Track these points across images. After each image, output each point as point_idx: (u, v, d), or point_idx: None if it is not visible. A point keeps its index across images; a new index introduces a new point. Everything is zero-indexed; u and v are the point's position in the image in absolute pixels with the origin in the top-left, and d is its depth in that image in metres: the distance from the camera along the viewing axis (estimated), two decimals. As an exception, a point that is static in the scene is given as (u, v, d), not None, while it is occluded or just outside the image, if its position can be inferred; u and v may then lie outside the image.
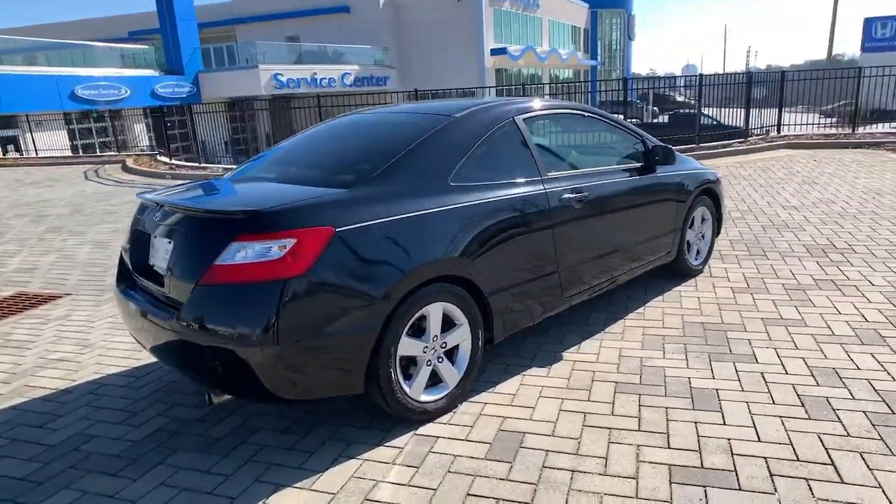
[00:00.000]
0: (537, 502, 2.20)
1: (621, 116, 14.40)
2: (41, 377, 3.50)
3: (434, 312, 2.72)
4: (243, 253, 2.36)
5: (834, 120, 15.76)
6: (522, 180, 3.18)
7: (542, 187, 3.23)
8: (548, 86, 19.61)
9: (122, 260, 3.15)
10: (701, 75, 13.66)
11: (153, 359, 3.53)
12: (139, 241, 2.96)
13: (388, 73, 34.27)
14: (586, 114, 3.93)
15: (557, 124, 4.47)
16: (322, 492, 2.33)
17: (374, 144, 3.18)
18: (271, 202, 2.48)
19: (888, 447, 2.39)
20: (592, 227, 3.48)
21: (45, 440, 2.80)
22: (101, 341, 3.98)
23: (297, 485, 2.37)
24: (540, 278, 3.19)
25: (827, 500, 2.12)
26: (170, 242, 2.67)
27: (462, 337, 2.87)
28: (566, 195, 3.32)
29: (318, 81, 30.01)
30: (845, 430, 2.51)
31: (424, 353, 2.72)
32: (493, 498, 2.23)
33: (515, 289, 3.06)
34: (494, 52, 34.54)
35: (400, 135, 3.07)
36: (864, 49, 31.79)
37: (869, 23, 31.85)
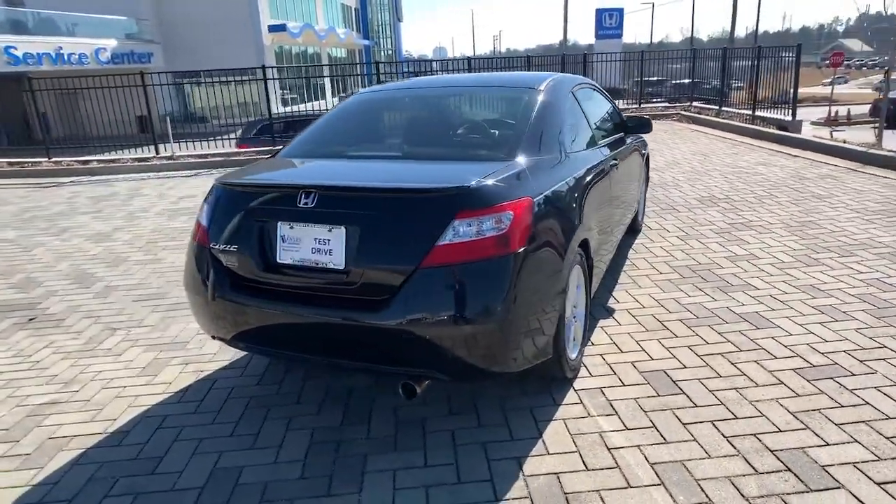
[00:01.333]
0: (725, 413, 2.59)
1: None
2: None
3: (575, 273, 2.90)
4: (466, 230, 2.28)
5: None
6: (590, 147, 3.49)
7: (601, 152, 3.58)
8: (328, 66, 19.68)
9: (213, 261, 2.68)
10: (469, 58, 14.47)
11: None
12: (253, 236, 2.57)
13: (151, 49, 30.45)
14: (594, 88, 4.33)
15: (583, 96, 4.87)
16: (564, 452, 2.41)
17: (487, 118, 3.18)
18: (473, 177, 2.41)
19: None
20: (619, 186, 3.94)
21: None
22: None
23: (532, 453, 2.41)
24: (604, 234, 3.54)
25: None
26: (335, 229, 2.40)
27: (582, 296, 3.09)
28: (613, 160, 3.71)
29: (66, 58, 25.48)
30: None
31: (571, 313, 2.90)
32: (707, 421, 2.56)
33: (599, 247, 3.37)
34: (273, 28, 32.82)
35: (508, 107, 3.12)
36: (597, 36, 37.41)
37: (599, 13, 37.46)
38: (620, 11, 37.89)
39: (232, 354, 3.43)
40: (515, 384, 2.91)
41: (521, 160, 2.69)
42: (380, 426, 2.66)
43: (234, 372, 3.24)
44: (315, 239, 2.45)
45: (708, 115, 13.77)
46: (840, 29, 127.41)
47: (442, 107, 3.45)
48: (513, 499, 2.16)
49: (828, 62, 27.94)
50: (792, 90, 12.04)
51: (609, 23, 37.51)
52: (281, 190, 2.60)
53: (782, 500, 2.08)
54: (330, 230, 2.42)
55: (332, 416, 2.76)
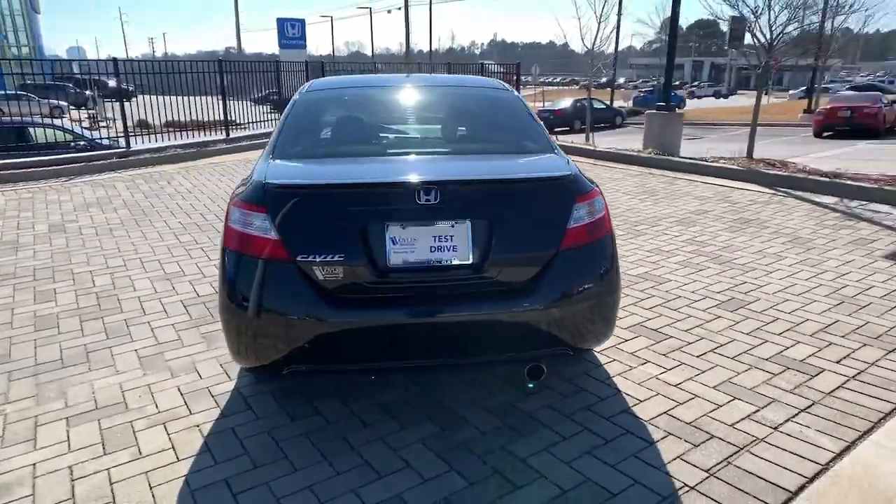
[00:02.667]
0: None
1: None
2: None
3: None
4: (582, 214, 2.50)
5: (269, 108, 15.67)
6: None
7: None
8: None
9: (300, 276, 2.31)
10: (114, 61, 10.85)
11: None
12: (354, 242, 2.32)
13: None
14: None
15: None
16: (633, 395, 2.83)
17: (488, 114, 3.31)
18: (564, 167, 2.62)
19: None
20: None
21: None
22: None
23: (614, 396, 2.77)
24: None
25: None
26: (458, 224, 2.36)
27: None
28: None
29: None
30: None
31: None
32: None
33: None
34: None
35: (499, 105, 3.33)
36: (281, 46, 37.35)
37: (281, 23, 37.44)
38: (302, 22, 38.56)
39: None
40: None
41: (559, 152, 2.99)
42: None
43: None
44: (434, 237, 2.36)
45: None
46: (477, 51, 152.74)
47: (435, 104, 3.44)
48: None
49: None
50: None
51: (292, 32, 37.88)
52: (393, 188, 2.40)
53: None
54: (453, 226, 2.36)
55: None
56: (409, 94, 3.48)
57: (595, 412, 2.73)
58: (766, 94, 44.76)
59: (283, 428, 2.66)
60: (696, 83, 63.50)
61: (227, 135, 11.96)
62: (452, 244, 2.37)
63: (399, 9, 44.02)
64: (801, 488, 2.20)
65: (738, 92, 56.16)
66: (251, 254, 2.35)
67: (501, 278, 2.41)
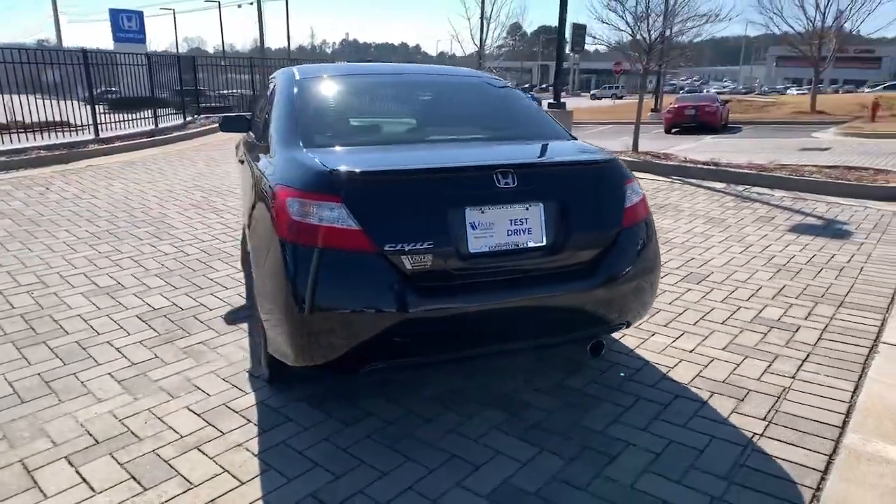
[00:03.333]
0: (696, 315, 3.67)
1: None
2: None
3: None
4: (631, 195, 2.61)
5: (104, 107, 13.52)
6: None
7: None
8: None
9: (389, 267, 2.19)
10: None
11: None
12: (437, 228, 2.23)
13: None
14: None
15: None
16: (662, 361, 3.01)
17: (509, 106, 3.32)
18: (604, 152, 2.74)
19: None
20: None
21: None
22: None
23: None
24: None
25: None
26: (532, 207, 2.35)
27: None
28: None
29: None
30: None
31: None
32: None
33: None
34: None
35: (511, 96, 3.35)
36: (115, 39, 33.95)
37: (115, 14, 33.97)
38: (140, 14, 35.35)
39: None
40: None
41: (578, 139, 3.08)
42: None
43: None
44: (510, 220, 2.33)
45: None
46: (329, 50, 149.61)
47: (447, 92, 3.37)
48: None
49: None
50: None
51: (128, 25, 34.60)
52: (472, 172, 2.33)
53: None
54: (527, 208, 2.35)
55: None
56: (417, 83, 3.40)
57: (638, 381, 2.86)
58: (623, 97, 49.21)
59: (340, 434, 2.47)
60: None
61: (97, 135, 10.66)
62: (527, 227, 2.35)
63: (251, 3, 42.08)
64: (845, 422, 2.49)
65: (581, 94, 61.07)
66: (325, 246, 2.16)
67: (573, 259, 2.44)
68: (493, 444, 2.38)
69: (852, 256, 4.75)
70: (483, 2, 23.66)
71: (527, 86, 41.18)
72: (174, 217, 6.04)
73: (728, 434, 2.43)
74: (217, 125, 4.64)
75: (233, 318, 3.65)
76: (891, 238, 5.28)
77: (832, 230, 5.55)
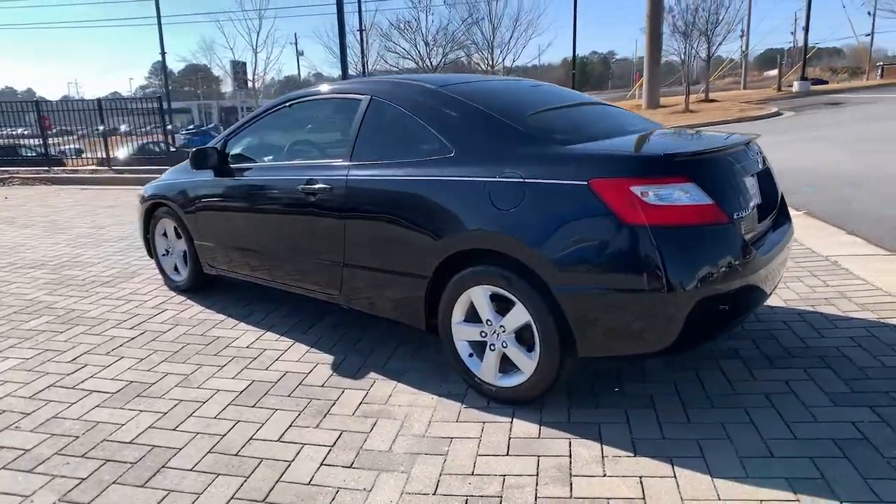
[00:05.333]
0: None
1: None
2: None
3: None
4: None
5: None
6: None
7: None
8: None
9: (740, 235, 2.60)
10: None
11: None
12: (744, 195, 2.75)
13: None
14: None
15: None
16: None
17: (604, 113, 3.64)
18: None
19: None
20: None
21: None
22: None
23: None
24: None
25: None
26: (753, 177, 2.94)
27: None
28: None
29: None
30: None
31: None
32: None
33: None
34: None
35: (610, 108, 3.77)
36: None
37: None
38: None
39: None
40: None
41: None
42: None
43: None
44: (752, 186, 2.91)
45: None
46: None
47: (535, 96, 3.61)
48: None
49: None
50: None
51: None
52: (740, 147, 2.91)
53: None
54: (752, 175, 2.96)
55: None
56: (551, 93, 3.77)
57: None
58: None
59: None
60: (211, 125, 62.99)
61: None
62: (755, 191, 2.95)
63: None
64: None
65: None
66: (691, 223, 2.43)
67: (773, 215, 3.14)
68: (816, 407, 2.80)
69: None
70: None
71: (195, 128, 38.33)
72: None
73: None
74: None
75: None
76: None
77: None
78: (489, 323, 2.81)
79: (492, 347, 2.83)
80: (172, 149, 15.26)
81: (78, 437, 2.72)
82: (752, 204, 2.74)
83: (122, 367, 3.45)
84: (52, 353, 3.66)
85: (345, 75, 11.66)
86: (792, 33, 49.43)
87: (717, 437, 2.49)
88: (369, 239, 3.19)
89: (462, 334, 2.94)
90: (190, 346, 3.70)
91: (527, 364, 2.73)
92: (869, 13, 51.09)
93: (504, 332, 2.77)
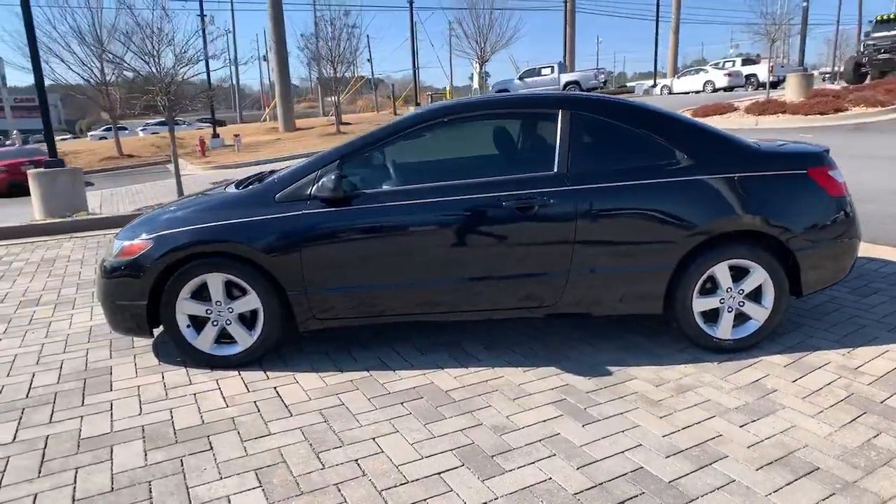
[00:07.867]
0: None
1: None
2: None
3: None
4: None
5: None
6: None
7: None
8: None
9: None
10: None
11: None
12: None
13: None
14: None
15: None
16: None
17: None
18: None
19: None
20: None
21: None
22: None
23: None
24: None
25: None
26: None
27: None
28: None
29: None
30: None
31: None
32: None
33: None
34: None
35: None
36: None
37: None
38: None
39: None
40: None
41: None
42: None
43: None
44: None
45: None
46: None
47: None
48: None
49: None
50: None
51: None
52: None
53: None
54: None
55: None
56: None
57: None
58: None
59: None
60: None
61: None
62: None
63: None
64: None
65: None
66: (847, 193, 3.65)
67: None
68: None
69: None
70: None
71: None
72: None
73: None
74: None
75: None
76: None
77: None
78: (729, 290, 3.53)
79: (729, 310, 3.56)
80: None
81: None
82: None
83: None
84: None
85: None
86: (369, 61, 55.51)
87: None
88: (608, 242, 3.42)
89: (699, 306, 3.54)
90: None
91: (761, 314, 3.56)
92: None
93: (742, 293, 3.54)
